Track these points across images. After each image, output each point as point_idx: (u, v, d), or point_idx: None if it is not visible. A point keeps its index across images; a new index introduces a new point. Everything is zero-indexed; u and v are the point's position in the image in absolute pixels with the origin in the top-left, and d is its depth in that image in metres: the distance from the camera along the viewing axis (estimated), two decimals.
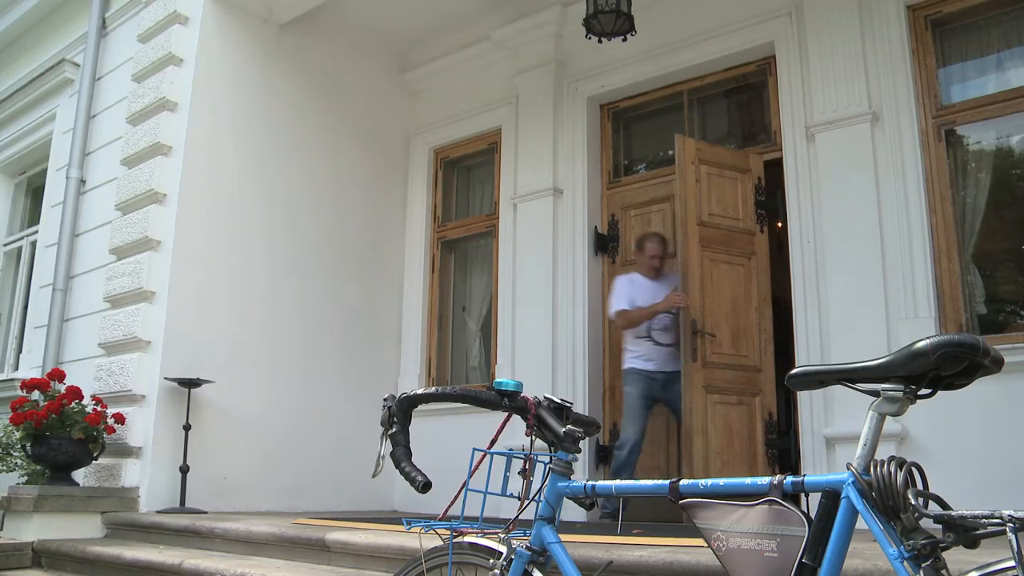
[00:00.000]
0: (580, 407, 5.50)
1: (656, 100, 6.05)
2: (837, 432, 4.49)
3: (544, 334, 5.87)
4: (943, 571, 1.19)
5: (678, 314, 5.11)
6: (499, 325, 6.27)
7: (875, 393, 1.29)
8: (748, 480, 1.36)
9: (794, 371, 1.39)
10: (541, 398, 1.66)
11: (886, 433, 4.52)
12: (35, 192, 7.99)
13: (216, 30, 5.85)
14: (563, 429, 1.60)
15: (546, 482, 1.64)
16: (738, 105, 5.88)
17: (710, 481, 1.40)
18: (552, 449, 1.67)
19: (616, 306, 5.24)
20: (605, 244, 6.02)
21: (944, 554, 1.20)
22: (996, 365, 1.24)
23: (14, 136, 7.82)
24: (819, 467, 4.58)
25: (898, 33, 4.80)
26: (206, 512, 5.09)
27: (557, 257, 5.99)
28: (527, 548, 1.62)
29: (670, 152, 6.04)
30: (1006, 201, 4.66)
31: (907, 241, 4.54)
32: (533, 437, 1.63)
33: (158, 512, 5.00)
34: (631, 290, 5.26)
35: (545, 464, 1.66)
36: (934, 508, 1.21)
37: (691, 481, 1.42)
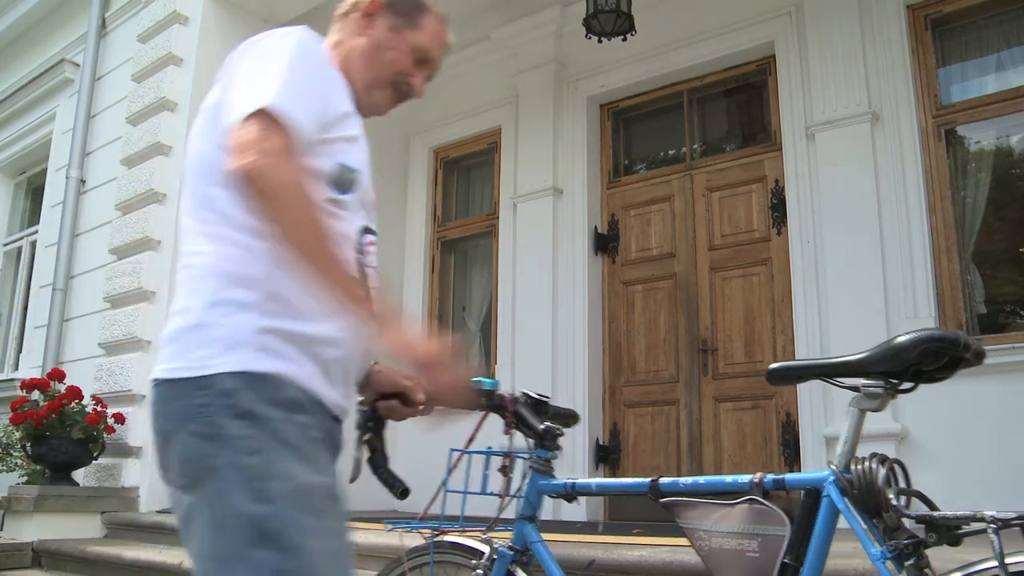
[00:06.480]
0: (580, 407, 5.47)
1: (656, 100, 6.02)
2: (836, 431, 4.46)
3: (544, 334, 5.85)
4: (926, 570, 1.18)
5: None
6: (499, 325, 6.25)
7: (855, 388, 1.27)
8: (729, 478, 1.35)
9: (773, 366, 1.38)
10: (518, 394, 1.64)
11: (887, 433, 4.48)
12: (35, 192, 8.01)
13: (216, 30, 5.84)
14: (542, 427, 1.58)
15: (526, 480, 1.62)
16: (738, 105, 5.85)
17: (691, 479, 1.39)
18: (534, 445, 1.65)
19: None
20: (605, 244, 6.00)
21: (928, 552, 1.19)
22: (977, 358, 1.23)
23: (14, 136, 7.84)
24: (819, 466, 4.54)
25: (898, 33, 4.78)
26: None
27: (557, 257, 5.97)
28: (509, 548, 1.61)
29: (671, 152, 6.03)
30: (1006, 201, 4.64)
31: (907, 241, 4.52)
32: (512, 435, 1.61)
33: (158, 512, 4.99)
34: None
35: (525, 462, 1.64)
36: (919, 506, 1.19)
37: (671, 479, 1.41)
